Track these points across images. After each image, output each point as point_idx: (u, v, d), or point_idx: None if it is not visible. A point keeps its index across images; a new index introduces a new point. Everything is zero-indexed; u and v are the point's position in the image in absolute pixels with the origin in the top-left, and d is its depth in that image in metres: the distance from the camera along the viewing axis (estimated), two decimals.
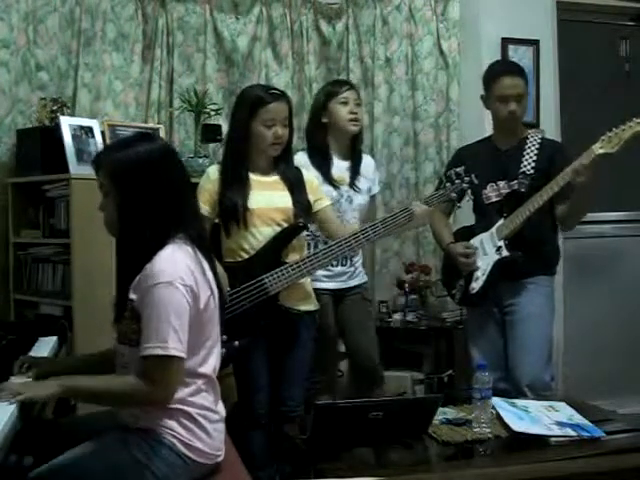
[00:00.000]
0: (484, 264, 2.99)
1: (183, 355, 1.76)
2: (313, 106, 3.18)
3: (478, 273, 3.00)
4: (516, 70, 3.02)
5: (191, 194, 2.01)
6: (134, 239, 1.84)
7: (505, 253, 2.93)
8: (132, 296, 1.81)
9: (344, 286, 3.09)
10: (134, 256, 1.83)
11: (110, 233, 1.94)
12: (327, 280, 3.05)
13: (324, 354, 3.04)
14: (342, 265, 3.06)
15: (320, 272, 3.01)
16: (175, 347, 1.74)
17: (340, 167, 3.09)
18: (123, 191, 1.84)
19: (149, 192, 1.83)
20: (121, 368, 1.88)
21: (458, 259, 3.03)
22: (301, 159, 3.03)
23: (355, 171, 3.10)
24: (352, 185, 3.08)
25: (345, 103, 3.03)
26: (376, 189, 3.26)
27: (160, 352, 1.73)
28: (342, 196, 3.06)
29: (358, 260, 3.13)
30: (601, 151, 2.73)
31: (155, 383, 1.75)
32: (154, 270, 1.77)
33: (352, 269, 3.10)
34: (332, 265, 2.99)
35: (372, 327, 3.21)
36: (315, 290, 2.99)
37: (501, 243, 2.94)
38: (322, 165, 3.05)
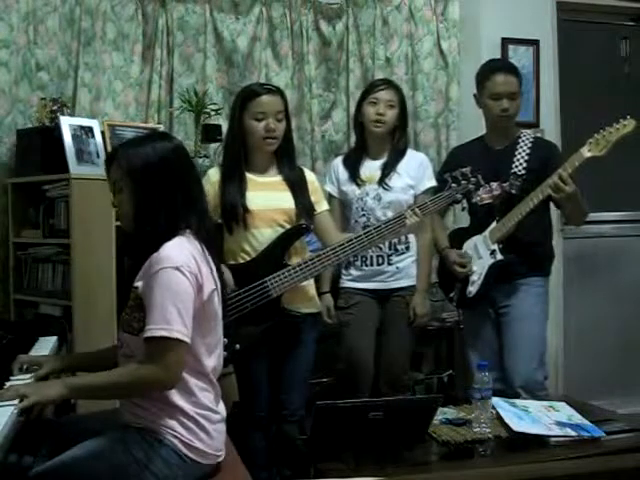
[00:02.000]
0: (479, 267, 2.98)
1: (187, 340, 1.75)
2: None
3: (474, 277, 3.00)
4: (510, 68, 3.01)
5: (202, 194, 2.02)
6: (147, 231, 1.85)
7: (499, 257, 2.93)
8: (137, 284, 1.81)
9: (386, 287, 3.05)
10: (143, 247, 1.84)
11: (125, 228, 1.96)
12: (362, 280, 3.05)
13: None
14: (378, 265, 3.03)
15: (353, 272, 3.06)
16: (179, 330, 1.73)
17: (370, 166, 3.09)
18: (139, 185, 1.85)
19: (163, 187, 1.85)
20: (124, 357, 1.88)
21: (453, 267, 3.03)
22: (334, 163, 3.19)
23: (387, 169, 3.06)
24: (381, 183, 3.04)
25: (374, 103, 3.03)
26: (425, 185, 3.09)
27: (164, 334, 1.72)
28: (367, 194, 3.04)
29: (402, 261, 3.05)
30: (589, 154, 2.73)
31: (158, 365, 1.73)
32: (160, 255, 1.78)
33: (393, 269, 3.03)
34: (365, 265, 3.03)
35: (406, 334, 3.08)
36: (349, 289, 3.05)
37: (495, 247, 2.94)
38: (351, 164, 3.11)
